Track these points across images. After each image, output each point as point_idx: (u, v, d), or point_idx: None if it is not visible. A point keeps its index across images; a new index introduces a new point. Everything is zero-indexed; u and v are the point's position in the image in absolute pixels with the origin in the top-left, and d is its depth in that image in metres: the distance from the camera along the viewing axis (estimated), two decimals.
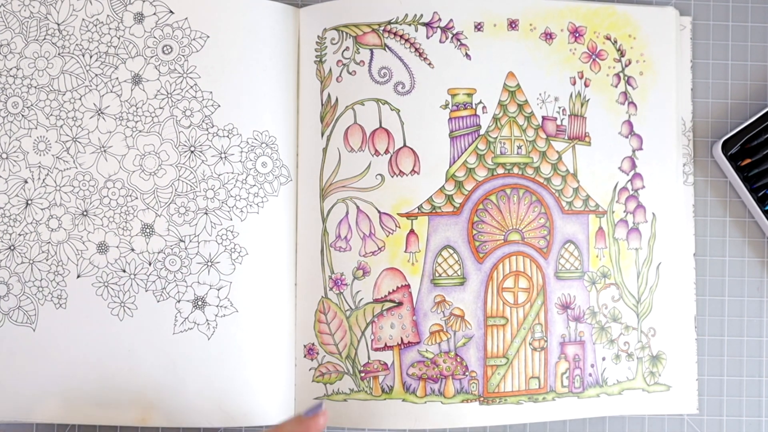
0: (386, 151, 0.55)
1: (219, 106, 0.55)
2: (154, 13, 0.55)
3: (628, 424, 0.58)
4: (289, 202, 0.56)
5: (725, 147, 0.57)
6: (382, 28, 0.55)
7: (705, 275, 0.58)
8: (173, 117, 0.55)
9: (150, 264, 0.54)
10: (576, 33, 0.57)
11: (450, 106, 0.55)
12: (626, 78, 0.58)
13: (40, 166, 0.55)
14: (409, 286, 0.54)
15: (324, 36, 0.56)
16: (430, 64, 0.55)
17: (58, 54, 0.55)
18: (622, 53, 0.58)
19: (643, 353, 0.56)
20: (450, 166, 0.55)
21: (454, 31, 0.56)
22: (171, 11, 0.55)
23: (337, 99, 0.56)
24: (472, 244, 0.55)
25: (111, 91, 0.55)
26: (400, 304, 0.54)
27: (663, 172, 0.57)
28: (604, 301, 0.56)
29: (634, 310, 0.56)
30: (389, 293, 0.54)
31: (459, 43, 0.56)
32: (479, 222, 0.55)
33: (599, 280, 0.56)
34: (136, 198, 0.54)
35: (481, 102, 0.55)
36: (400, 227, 0.55)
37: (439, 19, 0.56)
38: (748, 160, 0.57)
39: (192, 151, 0.55)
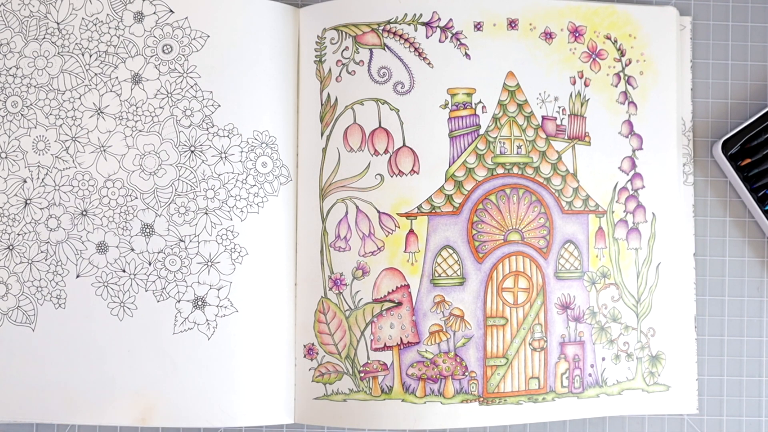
0: (386, 151, 0.55)
1: (219, 106, 0.55)
2: (154, 13, 0.55)
3: (628, 424, 0.58)
4: (289, 202, 0.56)
5: (725, 147, 0.57)
6: (381, 27, 0.55)
7: (705, 275, 0.58)
8: (173, 117, 0.55)
9: (150, 264, 0.54)
10: (576, 32, 0.57)
11: (449, 105, 0.55)
12: (626, 78, 0.57)
13: (39, 166, 0.55)
14: (408, 286, 0.54)
15: (323, 36, 0.56)
16: (429, 63, 0.55)
17: (58, 53, 0.55)
18: (622, 53, 0.57)
19: (642, 353, 0.56)
20: (449, 166, 0.55)
21: (454, 31, 0.55)
22: (171, 10, 0.55)
23: (336, 99, 0.55)
24: (471, 244, 0.55)
25: (111, 91, 0.55)
26: (399, 304, 0.54)
27: (663, 172, 0.57)
28: (603, 301, 0.56)
29: (634, 310, 0.56)
30: (389, 293, 0.54)
31: (458, 42, 0.55)
32: (479, 222, 0.55)
33: (599, 280, 0.56)
34: (136, 198, 0.54)
35: (480, 102, 0.55)
36: (399, 227, 0.54)
37: (439, 19, 0.55)
38: (748, 160, 0.57)
39: (192, 151, 0.55)
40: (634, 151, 0.57)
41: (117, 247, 0.54)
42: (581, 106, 0.57)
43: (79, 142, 0.55)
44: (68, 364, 0.54)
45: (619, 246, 0.57)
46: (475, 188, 0.55)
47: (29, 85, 0.55)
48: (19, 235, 0.54)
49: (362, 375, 0.54)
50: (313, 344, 0.55)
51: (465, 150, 0.55)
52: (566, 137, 0.56)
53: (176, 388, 0.53)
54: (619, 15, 0.57)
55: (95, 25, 0.55)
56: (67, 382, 0.54)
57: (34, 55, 0.55)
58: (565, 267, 0.56)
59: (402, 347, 0.54)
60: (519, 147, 0.56)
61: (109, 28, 0.55)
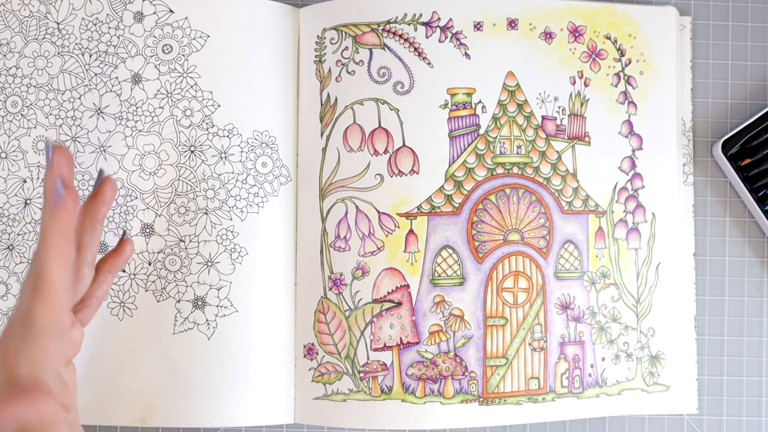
0: (385, 151, 0.55)
1: (219, 105, 0.55)
2: (154, 13, 0.55)
3: (628, 425, 0.58)
4: (289, 202, 0.56)
5: (725, 147, 0.57)
6: (381, 27, 0.55)
7: (705, 275, 0.58)
8: (173, 117, 0.55)
9: (150, 264, 0.54)
10: (576, 32, 0.57)
11: (449, 105, 0.55)
12: (626, 77, 0.57)
13: (39, 166, 0.55)
14: (408, 286, 0.54)
15: (323, 36, 0.56)
16: (429, 63, 0.55)
17: (58, 53, 0.55)
18: (622, 53, 0.57)
19: (642, 353, 0.56)
20: (449, 166, 0.55)
21: (454, 31, 0.55)
22: (171, 10, 0.55)
23: (336, 99, 0.55)
24: (471, 244, 0.55)
25: (110, 91, 0.55)
26: (399, 304, 0.54)
27: (663, 172, 0.57)
28: (603, 301, 0.56)
29: (634, 310, 0.56)
30: (388, 293, 0.54)
31: (458, 42, 0.55)
32: (479, 222, 0.55)
33: (599, 280, 0.56)
34: (136, 198, 0.54)
35: (480, 101, 0.55)
36: (399, 227, 0.54)
37: (439, 19, 0.55)
38: (748, 160, 0.57)
39: (192, 151, 0.55)
40: (633, 151, 0.57)
41: None
42: (581, 106, 0.57)
43: (79, 142, 0.55)
44: None
45: (618, 246, 0.57)
46: (474, 188, 0.55)
47: (29, 85, 0.55)
48: (19, 235, 0.54)
49: (362, 375, 0.54)
50: (313, 344, 0.55)
51: (465, 150, 0.55)
52: (566, 137, 0.56)
53: (176, 388, 0.53)
54: (619, 15, 0.57)
55: (95, 25, 0.55)
56: None
57: (34, 55, 0.55)
58: (564, 267, 0.56)
59: (402, 347, 0.54)
60: (519, 147, 0.56)
61: (109, 28, 0.55)
